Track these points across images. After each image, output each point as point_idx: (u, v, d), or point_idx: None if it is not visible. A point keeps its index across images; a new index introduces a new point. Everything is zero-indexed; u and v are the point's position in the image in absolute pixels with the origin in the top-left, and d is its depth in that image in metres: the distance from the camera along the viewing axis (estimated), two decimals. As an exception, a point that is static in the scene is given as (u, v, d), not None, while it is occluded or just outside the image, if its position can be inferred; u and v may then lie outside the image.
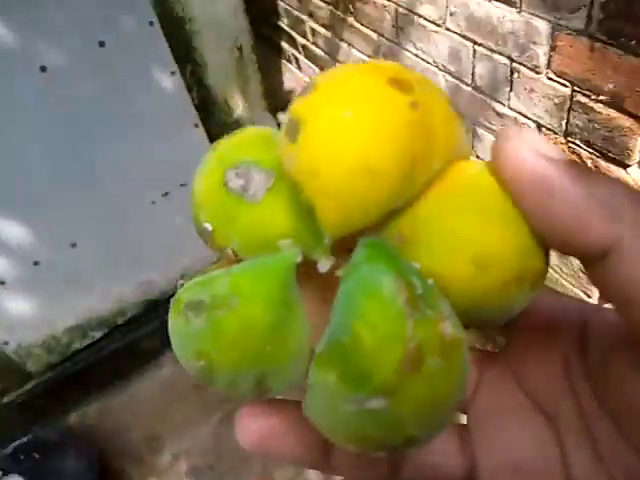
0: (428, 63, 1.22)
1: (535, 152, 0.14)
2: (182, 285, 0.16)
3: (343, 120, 0.13)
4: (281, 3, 1.82)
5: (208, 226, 0.16)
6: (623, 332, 0.15)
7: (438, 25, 1.12)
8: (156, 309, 1.69)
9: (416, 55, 1.25)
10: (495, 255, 0.14)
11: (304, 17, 1.70)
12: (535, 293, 0.15)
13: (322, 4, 1.54)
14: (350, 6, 1.40)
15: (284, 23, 1.89)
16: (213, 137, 1.47)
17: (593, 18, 0.80)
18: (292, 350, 0.15)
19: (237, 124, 1.50)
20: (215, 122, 1.47)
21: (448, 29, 1.10)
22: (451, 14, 1.06)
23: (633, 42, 0.76)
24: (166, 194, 1.49)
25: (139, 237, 1.52)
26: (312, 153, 0.13)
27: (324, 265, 0.15)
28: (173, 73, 1.29)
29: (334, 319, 0.14)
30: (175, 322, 0.15)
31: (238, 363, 0.14)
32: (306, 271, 0.15)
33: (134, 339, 1.70)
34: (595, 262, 0.13)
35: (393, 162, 0.13)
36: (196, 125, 1.40)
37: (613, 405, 0.15)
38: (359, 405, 0.13)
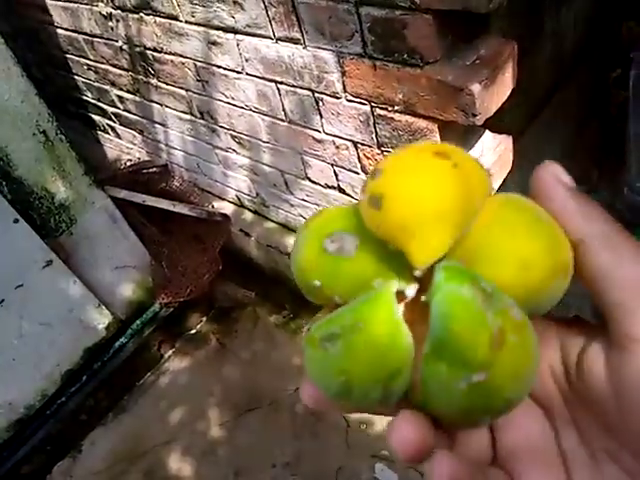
0: (242, 108, 1.27)
1: (552, 174, 0.21)
2: (308, 329, 0.21)
3: (412, 186, 0.19)
4: (79, 78, 1.76)
5: (317, 282, 0.21)
6: (588, 336, 0.21)
7: (238, 72, 1.16)
8: (28, 427, 1.51)
9: (228, 103, 1.29)
10: (533, 258, 0.19)
11: (107, 87, 1.66)
12: (567, 282, 0.20)
13: (121, 71, 1.52)
14: (149, 69, 1.40)
15: (88, 96, 1.83)
16: (41, 227, 1.37)
17: (367, 41, 0.89)
18: (405, 357, 0.19)
19: (63, 207, 1.41)
20: (37, 211, 1.36)
21: (249, 74, 1.15)
22: (246, 60, 1.11)
23: (405, 55, 0.86)
24: (1, 302, 1.34)
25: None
26: (397, 214, 0.19)
27: (411, 290, 0.20)
28: (-27, 174, 1.18)
29: (432, 326, 0.18)
30: (314, 355, 0.20)
31: (370, 372, 0.19)
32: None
33: (11, 466, 1.49)
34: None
35: (454, 204, 0.19)
36: (15, 220, 1.29)
37: (584, 393, 0.21)
38: (467, 381, 0.18)
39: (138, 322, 1.68)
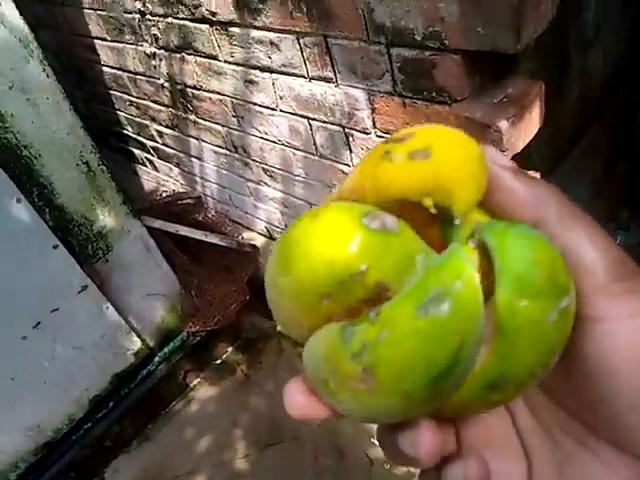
0: (274, 142, 1.31)
1: (492, 162, 0.20)
2: (377, 314, 0.18)
3: (454, 140, 0.20)
4: (121, 113, 1.86)
5: (362, 267, 0.18)
6: None
7: (273, 109, 1.21)
8: (55, 451, 1.53)
9: (261, 137, 1.34)
10: None
11: (147, 122, 1.75)
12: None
13: (161, 107, 1.60)
14: (189, 105, 1.47)
15: (129, 131, 1.92)
16: (78, 253, 1.42)
17: (397, 80, 0.92)
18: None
19: (101, 235, 1.46)
20: (76, 238, 1.42)
21: (282, 111, 1.19)
22: (281, 98, 1.16)
23: (433, 93, 0.89)
24: (37, 325, 1.39)
25: (15, 379, 1.38)
26: (450, 159, 0.19)
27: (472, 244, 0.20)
28: (19, 200, 1.24)
29: (510, 266, 0.18)
30: (410, 329, 0.17)
31: (476, 331, 0.18)
32: None
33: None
34: None
35: (481, 154, 0.20)
36: (55, 246, 1.34)
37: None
38: (558, 308, 0.18)
39: (166, 350, 1.71)
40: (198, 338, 1.76)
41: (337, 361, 0.18)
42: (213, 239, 1.63)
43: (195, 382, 1.81)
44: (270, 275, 0.21)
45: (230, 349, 1.87)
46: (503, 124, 0.81)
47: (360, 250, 0.18)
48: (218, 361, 1.84)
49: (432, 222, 0.21)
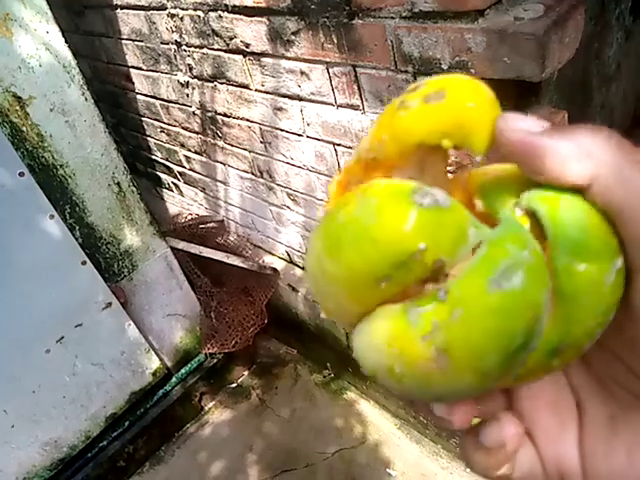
0: (299, 167, 1.35)
1: (523, 132, 0.19)
2: (445, 292, 0.18)
3: (467, 82, 0.20)
4: (151, 139, 1.92)
5: (422, 246, 0.18)
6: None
7: (299, 135, 1.26)
8: (69, 467, 1.53)
9: (287, 162, 1.38)
10: None
11: (176, 148, 1.81)
12: None
13: (191, 134, 1.66)
14: (218, 132, 1.53)
15: (158, 156, 1.98)
16: (105, 270, 1.45)
17: (423, 109, 0.96)
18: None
19: (127, 253, 1.50)
20: (103, 255, 1.46)
21: (309, 137, 1.24)
22: (308, 124, 1.21)
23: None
24: (61, 339, 1.41)
25: (36, 392, 1.40)
26: (462, 99, 0.20)
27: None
28: (52, 216, 1.29)
29: (565, 233, 0.18)
30: (484, 305, 0.17)
31: (544, 297, 0.18)
32: None
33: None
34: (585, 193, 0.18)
35: (493, 97, 0.20)
36: (83, 262, 1.38)
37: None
38: (615, 268, 0.18)
39: (183, 371, 1.72)
40: (215, 361, 1.77)
41: (404, 344, 0.18)
42: (235, 261, 1.65)
43: (210, 405, 1.81)
44: (315, 261, 0.20)
45: (246, 373, 1.87)
46: (527, 150, 0.84)
47: (417, 228, 0.18)
48: (233, 385, 1.85)
49: (466, 189, 0.22)
